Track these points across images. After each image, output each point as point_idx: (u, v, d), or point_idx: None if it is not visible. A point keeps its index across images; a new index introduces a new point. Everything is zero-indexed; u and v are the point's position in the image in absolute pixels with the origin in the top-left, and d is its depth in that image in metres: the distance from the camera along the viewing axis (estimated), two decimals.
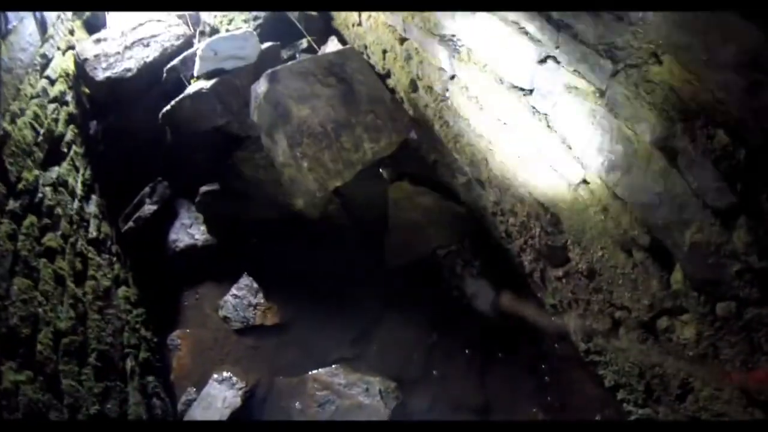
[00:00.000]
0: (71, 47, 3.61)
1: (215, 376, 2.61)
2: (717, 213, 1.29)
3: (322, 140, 2.85)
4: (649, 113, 1.38)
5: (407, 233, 2.92)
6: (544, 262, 2.29)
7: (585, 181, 1.81)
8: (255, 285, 2.91)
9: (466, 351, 2.54)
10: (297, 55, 4.14)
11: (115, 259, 2.81)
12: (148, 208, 3.21)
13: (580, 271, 2.01)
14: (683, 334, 1.58)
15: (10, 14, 2.47)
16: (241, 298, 2.88)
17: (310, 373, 2.57)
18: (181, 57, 3.67)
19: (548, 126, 1.93)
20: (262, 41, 3.71)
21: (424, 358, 2.57)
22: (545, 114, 1.93)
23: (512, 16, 1.92)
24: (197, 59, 3.46)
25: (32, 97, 2.57)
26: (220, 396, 2.53)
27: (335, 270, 2.93)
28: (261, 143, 3.05)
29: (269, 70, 2.98)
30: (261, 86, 2.96)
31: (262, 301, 2.86)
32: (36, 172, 2.29)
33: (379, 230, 3.01)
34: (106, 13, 4.25)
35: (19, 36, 2.58)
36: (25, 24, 2.70)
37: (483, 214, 2.78)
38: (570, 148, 1.84)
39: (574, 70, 1.69)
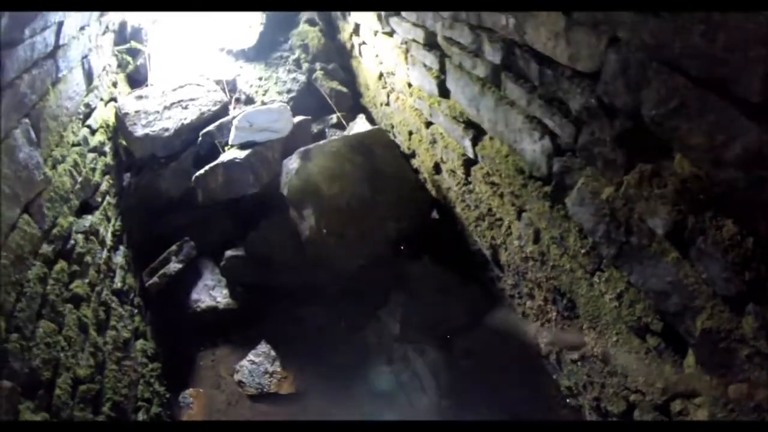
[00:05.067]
0: (113, 99, 3.79)
1: None
2: (726, 300, 1.34)
3: (348, 218, 2.95)
4: (662, 207, 1.46)
5: (425, 311, 2.95)
6: (560, 345, 2.32)
7: (601, 269, 1.87)
8: (273, 353, 2.94)
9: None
10: (326, 130, 4.33)
11: (136, 311, 2.86)
12: (174, 266, 3.28)
13: (596, 355, 2.03)
14: (696, 416, 1.59)
15: (61, 63, 2.57)
16: (258, 364, 2.90)
17: None
18: (217, 123, 3.84)
19: (566, 215, 2.01)
20: (294, 114, 3.88)
21: None
22: (563, 204, 2.02)
23: (533, 111, 2.05)
24: (233, 129, 3.63)
25: (74, 145, 2.66)
26: None
27: (354, 343, 2.95)
28: (288, 215, 3.16)
29: (302, 148, 3.13)
30: (293, 162, 3.10)
31: (278, 369, 2.88)
32: (71, 218, 2.37)
33: (400, 306, 3.03)
34: (148, 68, 4.48)
35: (67, 85, 2.68)
36: (74, 73, 2.82)
37: (501, 296, 2.83)
38: (586, 237, 1.91)
39: (592, 165, 1.79)
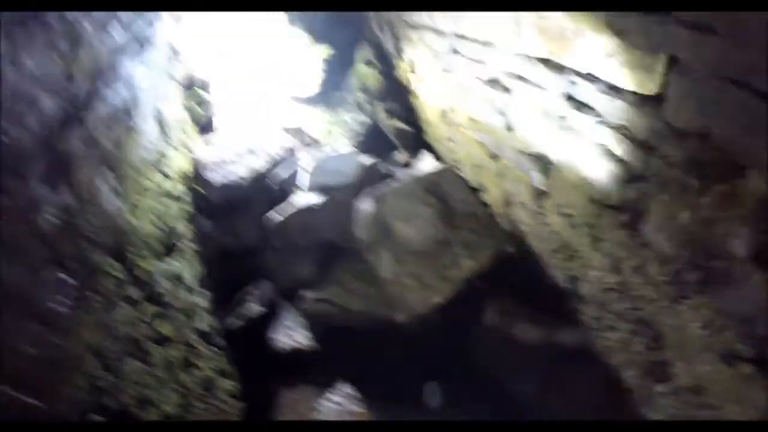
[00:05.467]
0: (186, 147, 3.98)
1: None
2: None
3: (423, 258, 2.98)
4: (741, 228, 1.41)
5: (507, 347, 2.90)
6: (648, 378, 2.23)
7: (685, 296, 1.81)
8: (352, 392, 2.94)
9: None
10: (394, 169, 4.39)
11: (219, 351, 2.96)
12: (254, 307, 3.39)
13: (686, 387, 1.95)
14: None
15: (136, 116, 2.71)
16: (338, 404, 2.90)
17: None
18: (287, 169, 4.00)
19: (644, 243, 1.96)
20: (360, 155, 3.98)
21: None
22: (640, 231, 1.97)
23: (600, 138, 2.03)
24: (303, 173, 3.77)
25: (152, 192, 2.81)
26: None
27: (434, 383, 2.91)
28: (363, 257, 3.22)
29: (374, 191, 3.23)
30: (366, 205, 3.18)
31: (358, 409, 2.87)
32: (154, 262, 2.51)
33: (477, 344, 2.99)
34: (216, 117, 4.70)
35: (142, 136, 2.83)
36: (147, 125, 2.97)
37: (582, 329, 2.74)
38: (667, 264, 1.85)
39: (666, 189, 1.75)
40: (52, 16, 1.42)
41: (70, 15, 1.52)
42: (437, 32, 3.38)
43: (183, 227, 3.15)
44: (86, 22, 1.71)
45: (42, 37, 1.44)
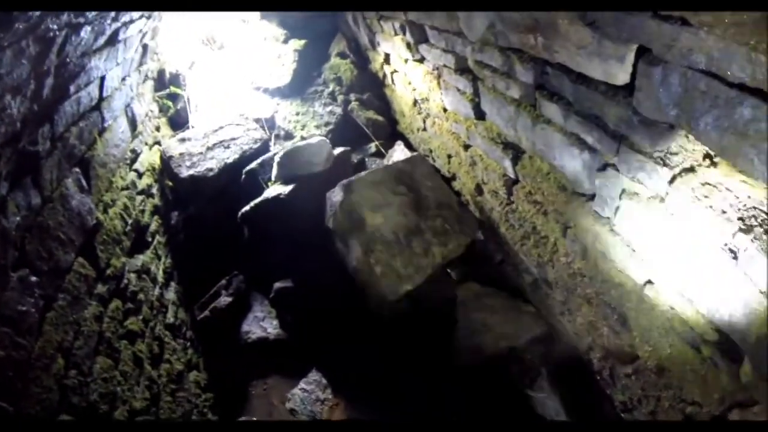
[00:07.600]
0: (157, 143, 3.91)
1: None
2: None
3: (394, 246, 2.95)
4: (708, 215, 1.43)
5: (475, 333, 2.92)
6: (613, 360, 2.27)
7: (650, 281, 1.84)
8: (324, 380, 2.93)
9: None
10: (366, 159, 4.37)
11: (188, 344, 2.93)
12: (224, 299, 3.35)
13: (650, 368, 1.98)
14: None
15: (106, 113, 2.66)
16: (310, 392, 2.90)
17: None
18: (259, 161, 3.93)
19: (611, 230, 1.99)
20: (333, 146, 3.93)
21: None
22: (608, 218, 1.99)
23: (570, 127, 2.05)
24: (275, 165, 3.70)
25: (122, 189, 2.76)
26: None
27: (404, 369, 2.91)
28: (334, 246, 3.19)
29: (344, 181, 3.17)
30: (336, 195, 3.14)
31: (330, 396, 2.87)
32: (123, 259, 2.46)
33: (449, 330, 3.00)
34: (188, 111, 4.63)
35: (113, 133, 2.78)
36: (118, 122, 2.92)
37: (550, 312, 2.79)
38: (634, 251, 1.88)
39: (633, 177, 1.77)
40: (17, 19, 1.36)
41: (37, 17, 1.46)
42: (411, 23, 3.36)
43: (154, 222, 3.09)
44: (54, 23, 1.65)
45: (8, 41, 1.38)
